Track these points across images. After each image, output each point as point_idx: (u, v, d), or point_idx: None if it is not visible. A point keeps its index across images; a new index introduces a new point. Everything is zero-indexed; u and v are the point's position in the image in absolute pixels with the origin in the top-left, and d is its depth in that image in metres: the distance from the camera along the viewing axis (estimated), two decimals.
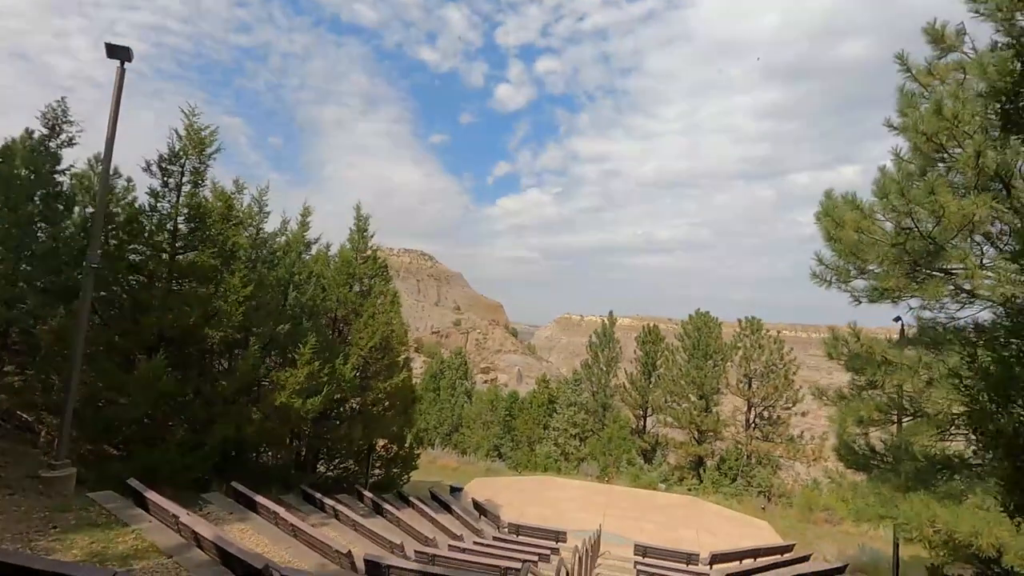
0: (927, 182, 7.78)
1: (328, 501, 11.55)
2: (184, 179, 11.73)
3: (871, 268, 9.60)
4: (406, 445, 19.25)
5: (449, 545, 11.13)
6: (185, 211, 11.71)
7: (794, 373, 29.04)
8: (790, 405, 28.66)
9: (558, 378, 40.02)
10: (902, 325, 12.46)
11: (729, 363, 29.59)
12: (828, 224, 9.86)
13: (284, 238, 14.21)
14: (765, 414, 29.35)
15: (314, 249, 16.61)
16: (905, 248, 8.31)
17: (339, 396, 15.32)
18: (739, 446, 28.72)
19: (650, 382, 32.35)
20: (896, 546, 13.46)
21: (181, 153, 11.58)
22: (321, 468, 17.77)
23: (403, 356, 16.90)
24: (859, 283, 12.18)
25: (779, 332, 31.14)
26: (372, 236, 16.49)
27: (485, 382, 69.05)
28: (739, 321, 30.36)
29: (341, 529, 10.81)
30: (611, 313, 34.19)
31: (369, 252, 16.46)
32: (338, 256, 15.81)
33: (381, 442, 18.89)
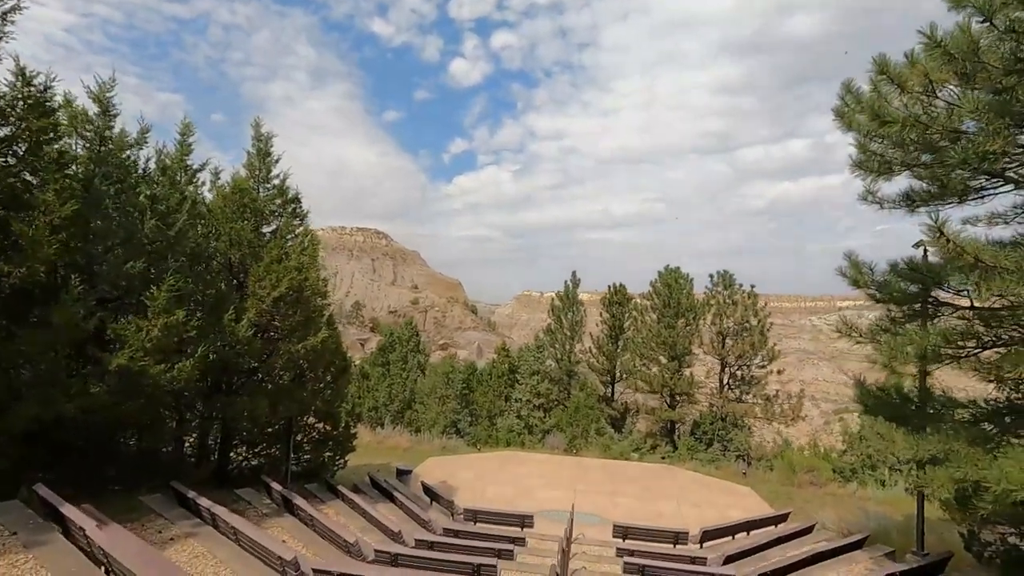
0: None
1: (203, 503, 8.29)
2: None
3: (944, 144, 7.01)
4: (341, 424, 16.05)
5: (376, 551, 8.13)
6: None
7: (768, 329, 27.30)
8: (766, 363, 26.94)
9: (520, 347, 37.36)
10: (924, 250, 10.17)
11: (702, 320, 27.51)
12: (881, 88, 7.15)
13: (143, 151, 10.48)
14: (739, 374, 27.57)
15: (204, 180, 12.94)
16: (1016, 93, 5.69)
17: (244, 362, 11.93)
18: (713, 409, 26.88)
19: (617, 346, 30.02)
20: (921, 510, 11.41)
21: None
22: (239, 456, 14.41)
23: (326, 313, 13.54)
24: (891, 189, 9.78)
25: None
26: (278, 160, 12.91)
27: (443, 358, 65.88)
28: (711, 276, 28.28)
29: (214, 542, 7.61)
30: (574, 274, 31.50)
31: (276, 181, 12.90)
32: (230, 183, 12.18)
33: (311, 421, 15.64)
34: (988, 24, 5.42)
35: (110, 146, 9.83)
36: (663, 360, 27.56)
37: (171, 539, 7.57)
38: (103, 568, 5.61)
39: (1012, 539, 9.83)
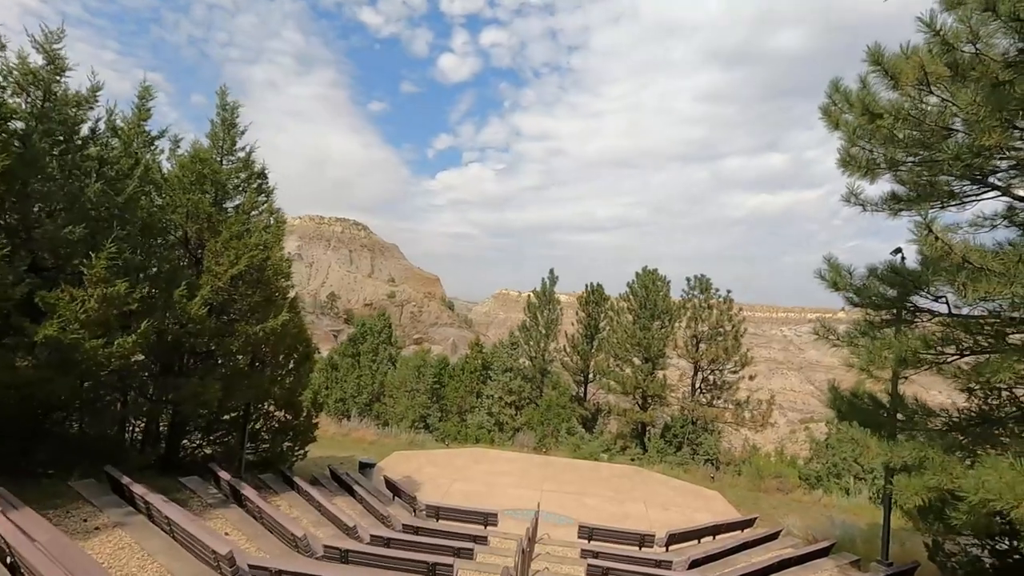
0: None
1: (138, 490, 7.63)
2: None
3: (935, 141, 6.82)
4: (303, 414, 15.35)
5: (326, 547, 7.59)
6: None
7: (742, 335, 27.39)
8: (738, 368, 27.02)
9: (494, 344, 36.91)
10: (902, 257, 10.10)
11: (677, 323, 27.45)
12: (872, 82, 6.92)
13: (93, 111, 9.69)
14: (712, 378, 27.60)
15: (163, 148, 12.18)
16: (1014, 87, 5.48)
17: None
18: (684, 412, 26.85)
19: (592, 346, 29.81)
20: (887, 519, 11.35)
21: None
22: (192, 443, 13.61)
23: (289, 295, 12.87)
24: (874, 193, 9.69)
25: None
26: (244, 132, 12.20)
27: (416, 352, 65.00)
28: (687, 280, 28.26)
29: (145, 533, 6.98)
30: (551, 271, 31.15)
31: (241, 153, 12.19)
32: (190, 152, 11.44)
33: (271, 408, 14.92)
34: (990, 13, 5.19)
35: (54, 102, 9.05)
36: (637, 361, 27.42)
37: (96, 529, 6.91)
38: (6, 559, 4.98)
39: (974, 550, 9.80)
